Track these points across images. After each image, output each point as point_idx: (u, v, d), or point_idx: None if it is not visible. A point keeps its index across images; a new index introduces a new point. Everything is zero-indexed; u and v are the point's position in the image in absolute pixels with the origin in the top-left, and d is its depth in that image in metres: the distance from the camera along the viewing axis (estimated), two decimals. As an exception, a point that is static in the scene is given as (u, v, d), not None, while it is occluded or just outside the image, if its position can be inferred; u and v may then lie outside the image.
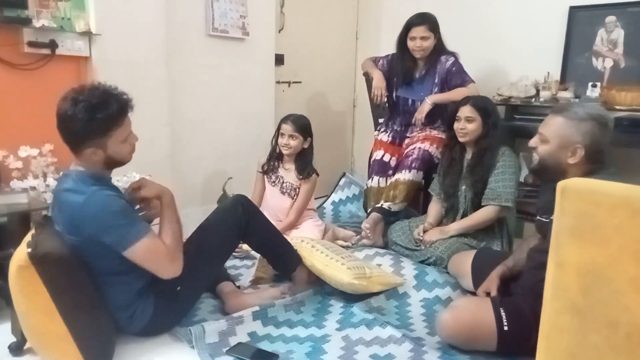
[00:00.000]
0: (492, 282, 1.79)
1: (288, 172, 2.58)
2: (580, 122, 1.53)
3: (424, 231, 2.37)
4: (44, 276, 1.35)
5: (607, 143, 1.54)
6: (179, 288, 1.64)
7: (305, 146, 2.55)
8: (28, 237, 1.41)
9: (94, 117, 1.43)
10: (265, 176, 2.63)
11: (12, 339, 1.60)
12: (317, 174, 2.58)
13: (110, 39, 2.25)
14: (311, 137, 2.56)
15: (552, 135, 1.57)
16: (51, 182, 2.00)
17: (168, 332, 1.68)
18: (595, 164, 1.55)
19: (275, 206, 2.59)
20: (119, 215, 1.46)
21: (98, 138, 1.47)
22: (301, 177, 2.53)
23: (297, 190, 2.55)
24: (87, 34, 2.21)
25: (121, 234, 1.46)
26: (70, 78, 2.23)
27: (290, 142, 2.50)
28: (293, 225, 2.53)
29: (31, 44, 2.06)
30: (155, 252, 1.50)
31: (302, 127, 2.51)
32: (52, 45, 2.11)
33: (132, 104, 1.53)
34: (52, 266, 1.37)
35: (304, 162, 2.55)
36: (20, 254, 1.35)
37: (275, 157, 2.61)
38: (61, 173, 1.68)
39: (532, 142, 1.65)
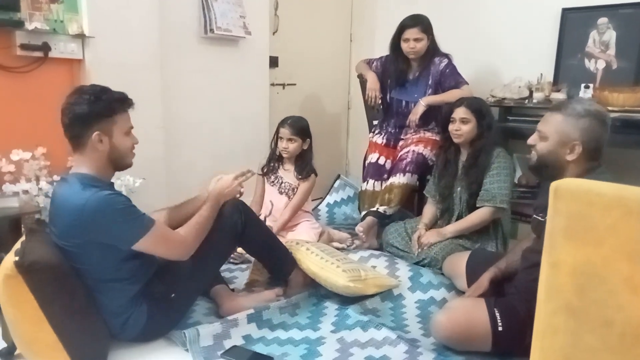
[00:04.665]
0: (480, 286, 1.80)
1: (287, 173, 2.57)
2: (578, 118, 1.52)
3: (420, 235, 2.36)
4: (32, 285, 1.33)
5: (605, 139, 1.53)
6: (173, 295, 1.63)
7: (305, 148, 2.53)
8: (17, 245, 1.39)
9: (100, 98, 1.49)
10: (264, 177, 2.63)
11: (3, 344, 1.58)
12: (316, 175, 2.57)
13: (103, 41, 2.24)
14: (310, 139, 2.55)
15: (552, 132, 1.56)
16: (44, 185, 1.99)
17: (162, 337, 1.66)
18: (593, 161, 1.54)
19: (272, 206, 2.58)
20: (123, 212, 1.46)
21: (104, 120, 1.49)
22: (300, 177, 2.52)
23: (296, 190, 2.54)
24: (80, 37, 2.19)
25: (128, 229, 1.46)
26: (63, 81, 2.21)
27: (288, 146, 2.48)
28: (286, 223, 2.51)
29: (24, 47, 2.04)
30: (165, 240, 1.56)
31: (300, 129, 2.50)
32: (45, 48, 2.09)
33: (132, 101, 1.57)
34: (39, 275, 1.35)
35: (303, 163, 2.54)
36: (8, 263, 1.33)
37: (275, 159, 2.60)
38: (59, 177, 1.67)
39: (531, 139, 1.64)
